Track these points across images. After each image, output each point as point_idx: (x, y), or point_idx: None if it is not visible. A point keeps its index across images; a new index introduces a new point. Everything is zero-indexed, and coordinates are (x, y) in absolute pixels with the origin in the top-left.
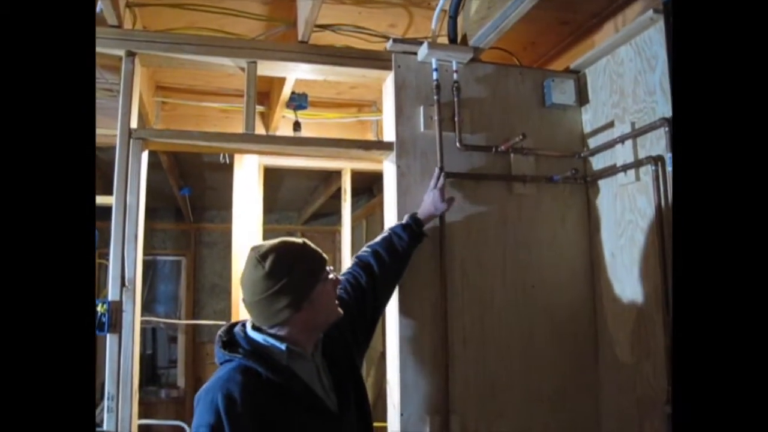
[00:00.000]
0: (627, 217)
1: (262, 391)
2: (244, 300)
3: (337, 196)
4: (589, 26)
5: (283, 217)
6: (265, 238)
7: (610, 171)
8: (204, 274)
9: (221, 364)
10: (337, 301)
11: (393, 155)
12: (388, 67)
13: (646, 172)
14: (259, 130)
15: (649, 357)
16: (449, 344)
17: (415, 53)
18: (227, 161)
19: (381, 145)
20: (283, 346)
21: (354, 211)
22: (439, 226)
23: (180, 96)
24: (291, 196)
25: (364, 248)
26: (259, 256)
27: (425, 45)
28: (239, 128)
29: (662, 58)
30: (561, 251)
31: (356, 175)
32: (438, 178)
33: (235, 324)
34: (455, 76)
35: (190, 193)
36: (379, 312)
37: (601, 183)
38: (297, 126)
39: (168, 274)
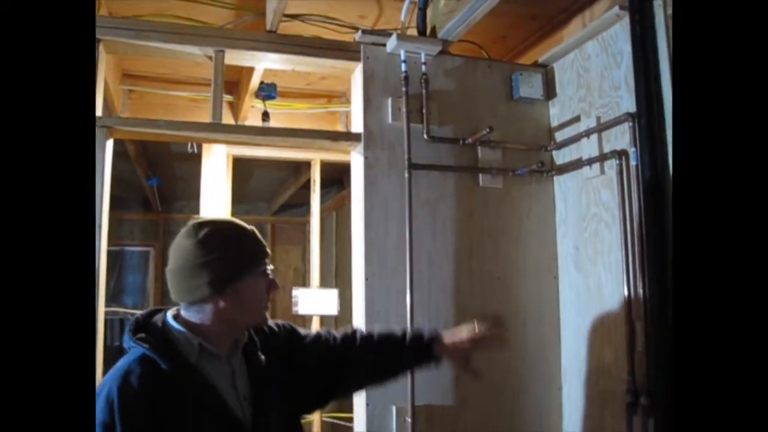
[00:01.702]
0: (591, 211)
1: (163, 389)
2: (167, 268)
3: (307, 187)
4: (557, 21)
5: (253, 207)
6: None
7: (576, 164)
8: None
9: (128, 350)
10: (266, 305)
11: (360, 146)
12: (356, 59)
13: (611, 166)
14: (228, 119)
15: (611, 348)
16: None
17: (384, 45)
18: (195, 151)
19: (349, 136)
20: (195, 341)
21: (324, 202)
22: (407, 217)
23: (148, 84)
24: (261, 187)
25: (367, 329)
26: (196, 224)
27: (394, 37)
28: (208, 118)
29: (627, 54)
30: (526, 243)
31: (326, 167)
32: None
33: (160, 310)
34: (424, 68)
35: (158, 183)
36: (332, 391)
37: (567, 176)
38: (265, 116)
39: (136, 264)
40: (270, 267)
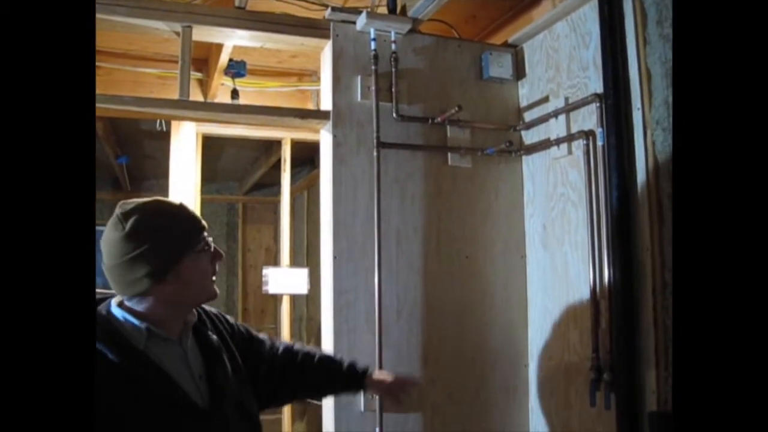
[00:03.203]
0: (559, 191)
1: (112, 378)
2: (102, 265)
3: (278, 166)
4: (528, 2)
5: (223, 187)
6: (203, 208)
7: (544, 145)
8: None
9: None
10: (213, 278)
11: (329, 124)
12: (326, 36)
13: (578, 146)
14: (197, 97)
15: (576, 325)
16: (382, 312)
17: (354, 22)
18: (164, 129)
19: (318, 114)
20: (143, 327)
21: (296, 182)
22: (376, 196)
23: (115, 61)
24: (232, 166)
25: (311, 347)
26: (122, 214)
27: (364, 14)
28: (176, 95)
29: (596, 35)
30: (494, 222)
31: (298, 146)
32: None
33: (106, 298)
34: (393, 46)
35: (127, 161)
36: (267, 398)
37: (535, 156)
38: (235, 94)
39: None
40: (209, 239)
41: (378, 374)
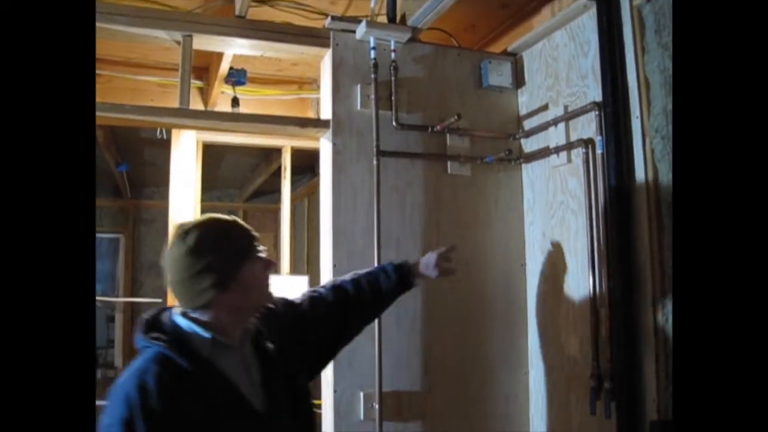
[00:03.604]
0: (558, 198)
1: (179, 384)
2: (167, 281)
3: (278, 173)
4: (527, 10)
5: (224, 194)
6: (203, 215)
7: (544, 153)
8: (143, 251)
9: (140, 350)
10: (268, 284)
11: (329, 133)
12: (326, 45)
13: (578, 154)
14: (198, 105)
15: (576, 333)
16: (382, 321)
17: (354, 31)
18: (165, 137)
19: (317, 123)
20: (207, 335)
21: (296, 189)
22: (376, 204)
23: (115, 69)
24: (232, 174)
25: (349, 274)
26: (183, 233)
27: (364, 23)
28: (176, 103)
29: (594, 44)
30: (494, 230)
31: (298, 154)
32: (448, 249)
33: (165, 309)
34: (393, 55)
35: (127, 169)
36: (340, 342)
37: (535, 164)
38: (235, 102)
39: (105, 252)
40: (261, 248)
41: (422, 266)
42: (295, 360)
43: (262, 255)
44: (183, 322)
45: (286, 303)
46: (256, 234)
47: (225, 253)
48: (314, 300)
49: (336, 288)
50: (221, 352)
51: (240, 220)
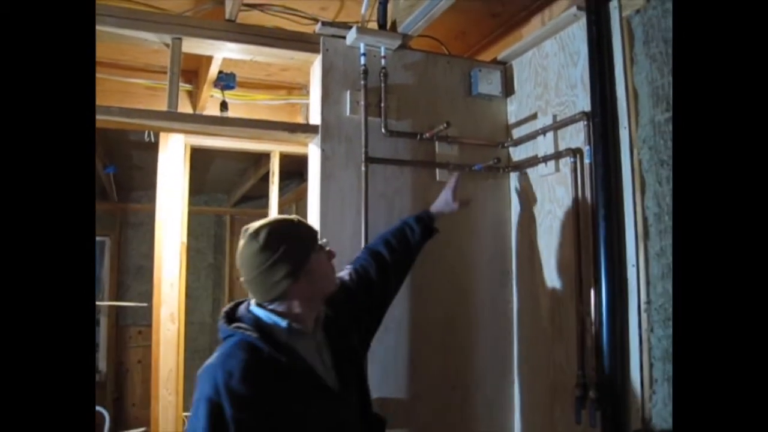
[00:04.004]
0: (546, 207)
1: (263, 367)
2: (242, 279)
3: (266, 179)
4: (518, 19)
5: (212, 198)
6: (190, 220)
7: (532, 162)
8: (129, 255)
9: (224, 339)
10: (333, 272)
11: (318, 138)
12: (316, 50)
13: (566, 163)
14: (186, 109)
15: (562, 343)
16: None
17: (344, 37)
18: (153, 140)
19: (306, 128)
20: (284, 323)
21: (284, 195)
22: (364, 210)
23: (104, 71)
24: (220, 178)
25: (377, 237)
26: (253, 233)
27: (354, 29)
28: (165, 106)
29: (584, 54)
30: (481, 239)
31: (287, 159)
32: (456, 180)
33: (241, 302)
34: (383, 62)
35: (115, 171)
36: (386, 302)
37: (523, 173)
38: (224, 106)
39: None
40: (323, 240)
41: (435, 208)
42: (354, 334)
43: (325, 247)
44: (261, 313)
45: (339, 282)
46: (315, 229)
47: (294, 245)
48: (359, 274)
49: (373, 255)
50: (297, 339)
51: (301, 218)
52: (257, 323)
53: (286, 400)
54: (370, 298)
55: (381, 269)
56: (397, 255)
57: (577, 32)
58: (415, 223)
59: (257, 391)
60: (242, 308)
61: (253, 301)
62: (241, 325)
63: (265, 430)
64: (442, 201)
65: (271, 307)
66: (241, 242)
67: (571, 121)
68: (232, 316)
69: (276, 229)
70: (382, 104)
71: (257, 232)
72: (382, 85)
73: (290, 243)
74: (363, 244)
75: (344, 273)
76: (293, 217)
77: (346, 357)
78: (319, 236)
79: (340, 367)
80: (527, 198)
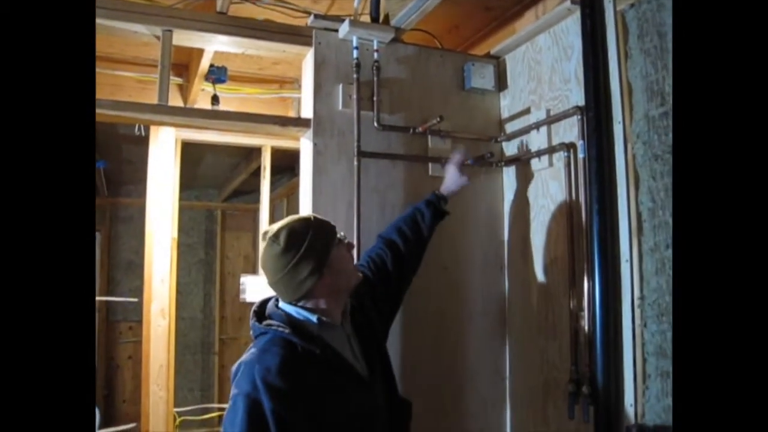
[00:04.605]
0: (539, 202)
1: (299, 361)
2: (268, 282)
3: (258, 173)
4: (511, 13)
5: (202, 193)
6: (181, 214)
7: (525, 156)
8: (119, 250)
9: (256, 337)
10: (354, 264)
11: (310, 132)
12: (308, 44)
13: (559, 158)
14: (177, 102)
15: (555, 339)
16: None
17: (337, 30)
18: (143, 134)
19: (298, 122)
20: (314, 318)
21: (276, 189)
22: (356, 205)
23: None
24: (211, 173)
25: (389, 226)
26: (273, 236)
27: (347, 23)
28: (155, 99)
29: (578, 48)
30: (474, 234)
31: (278, 154)
32: (461, 155)
33: (268, 300)
34: (376, 55)
35: (105, 165)
36: (403, 288)
37: (516, 168)
38: (215, 100)
39: None
40: (341, 234)
41: (445, 188)
42: (376, 323)
43: (344, 240)
44: (291, 309)
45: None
46: (333, 223)
47: (314, 243)
48: (376, 264)
49: (387, 244)
50: (328, 331)
51: (316, 215)
52: (289, 319)
53: (323, 391)
54: (388, 287)
55: (396, 258)
56: (410, 242)
57: (571, 26)
58: (425, 208)
59: (295, 384)
60: (270, 305)
61: (280, 299)
62: (272, 322)
63: (304, 422)
64: (451, 179)
65: (300, 304)
66: (262, 245)
67: (564, 115)
68: (261, 314)
69: (295, 228)
70: (375, 98)
71: (277, 234)
72: (375, 78)
73: (311, 241)
74: (356, 239)
75: (362, 262)
76: (310, 215)
77: (372, 345)
78: (336, 230)
79: (368, 356)
80: (520, 193)
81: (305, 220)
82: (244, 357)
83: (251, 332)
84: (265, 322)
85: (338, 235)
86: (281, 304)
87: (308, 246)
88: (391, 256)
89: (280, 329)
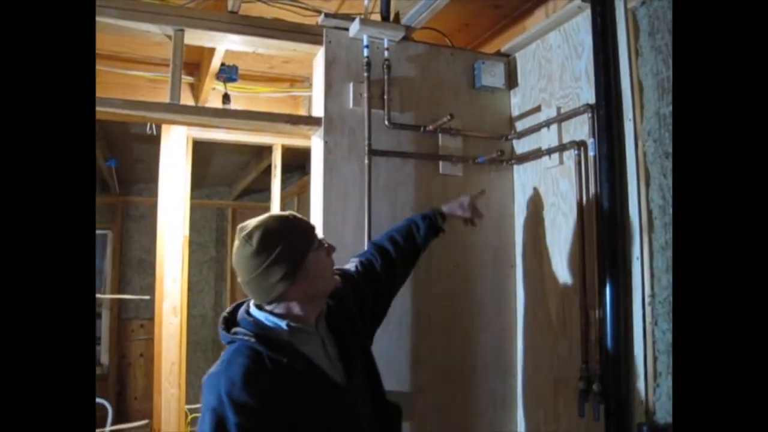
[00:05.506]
0: (550, 200)
1: (265, 371)
2: (240, 282)
3: (269, 172)
4: (521, 11)
5: (213, 192)
6: (192, 213)
7: (536, 154)
8: (131, 248)
9: (227, 344)
10: (333, 269)
11: (321, 131)
12: (319, 42)
13: (570, 156)
14: (188, 101)
15: (566, 337)
16: None
17: (347, 29)
18: (154, 132)
19: (309, 121)
20: (284, 324)
21: (286, 188)
22: (367, 203)
23: (105, 63)
24: (222, 171)
25: (383, 234)
26: (246, 235)
27: (357, 21)
28: (167, 99)
29: (588, 46)
30: (485, 232)
31: (289, 152)
32: (478, 194)
33: (241, 304)
34: (386, 54)
35: (117, 164)
36: (391, 295)
37: (527, 166)
38: (226, 98)
39: None
40: (320, 236)
41: (448, 208)
42: (360, 326)
43: (323, 243)
44: (260, 315)
45: (343, 274)
46: (313, 224)
47: (289, 246)
48: (365, 267)
49: (379, 250)
50: (299, 337)
51: (297, 214)
52: (257, 326)
53: (292, 401)
54: (375, 293)
55: (386, 264)
56: (402, 252)
57: (582, 24)
58: (421, 221)
59: (262, 396)
60: (241, 311)
61: (252, 303)
62: (239, 330)
63: None
64: (457, 203)
65: (269, 308)
66: (236, 243)
67: (575, 113)
68: (231, 321)
69: (270, 229)
70: (385, 96)
71: (250, 234)
72: (385, 77)
73: (285, 243)
74: (366, 237)
75: (350, 265)
76: (288, 213)
77: (353, 348)
78: (316, 232)
79: (347, 359)
80: (531, 191)
81: (282, 221)
82: (212, 368)
83: (221, 340)
84: (232, 330)
85: (318, 238)
86: (252, 310)
87: (282, 250)
88: (381, 260)
89: (246, 338)
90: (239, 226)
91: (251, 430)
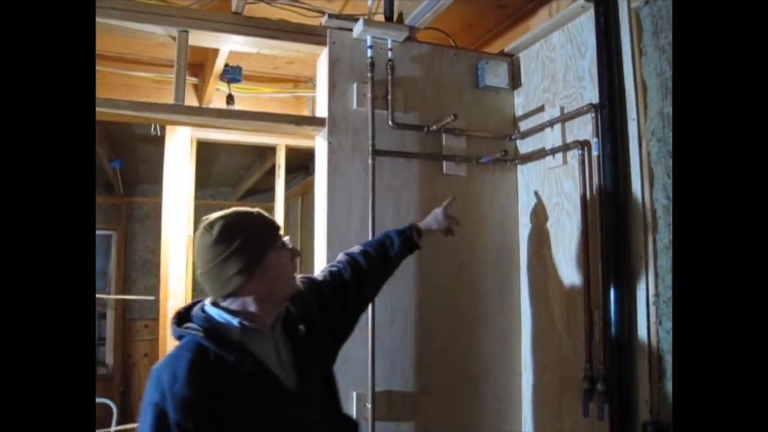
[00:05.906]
0: (554, 200)
1: (209, 369)
2: (196, 274)
3: (272, 172)
4: (525, 11)
5: (217, 192)
6: (197, 213)
7: (539, 154)
8: (135, 249)
9: (177, 339)
10: (295, 274)
11: (325, 131)
12: (322, 43)
13: (573, 156)
14: (192, 102)
15: (570, 336)
16: (376, 321)
17: (351, 30)
18: (158, 133)
19: (313, 121)
20: (235, 321)
21: (290, 188)
22: (371, 203)
23: (110, 64)
24: (226, 172)
25: (357, 246)
26: (208, 225)
27: (361, 22)
28: (171, 100)
29: (592, 45)
30: (489, 231)
31: (292, 152)
32: (449, 201)
33: (199, 301)
34: (390, 54)
35: (121, 165)
36: (359, 309)
37: (530, 165)
38: (230, 99)
39: (97, 248)
40: (286, 238)
41: (424, 223)
42: (322, 335)
43: (287, 245)
44: (213, 312)
45: (309, 281)
46: (279, 225)
47: (249, 240)
48: (333, 275)
49: (349, 261)
50: (252, 337)
51: (263, 212)
52: (208, 322)
53: (237, 402)
54: (342, 303)
55: (355, 275)
56: (373, 265)
57: (585, 24)
58: (396, 236)
59: (203, 393)
60: (196, 308)
61: (208, 300)
62: (190, 324)
63: None
64: (432, 216)
65: (224, 304)
66: (197, 233)
67: (578, 113)
68: (185, 317)
69: (232, 222)
70: (389, 97)
71: (212, 224)
72: (389, 77)
73: (246, 237)
74: (370, 237)
75: (319, 274)
76: (254, 210)
77: (310, 357)
78: (281, 232)
79: (301, 366)
80: (534, 190)
81: (247, 215)
82: (158, 362)
83: (173, 334)
84: (184, 325)
85: (282, 238)
86: (207, 307)
87: (242, 243)
88: (350, 270)
89: (197, 333)
90: (203, 217)
91: (191, 428)
